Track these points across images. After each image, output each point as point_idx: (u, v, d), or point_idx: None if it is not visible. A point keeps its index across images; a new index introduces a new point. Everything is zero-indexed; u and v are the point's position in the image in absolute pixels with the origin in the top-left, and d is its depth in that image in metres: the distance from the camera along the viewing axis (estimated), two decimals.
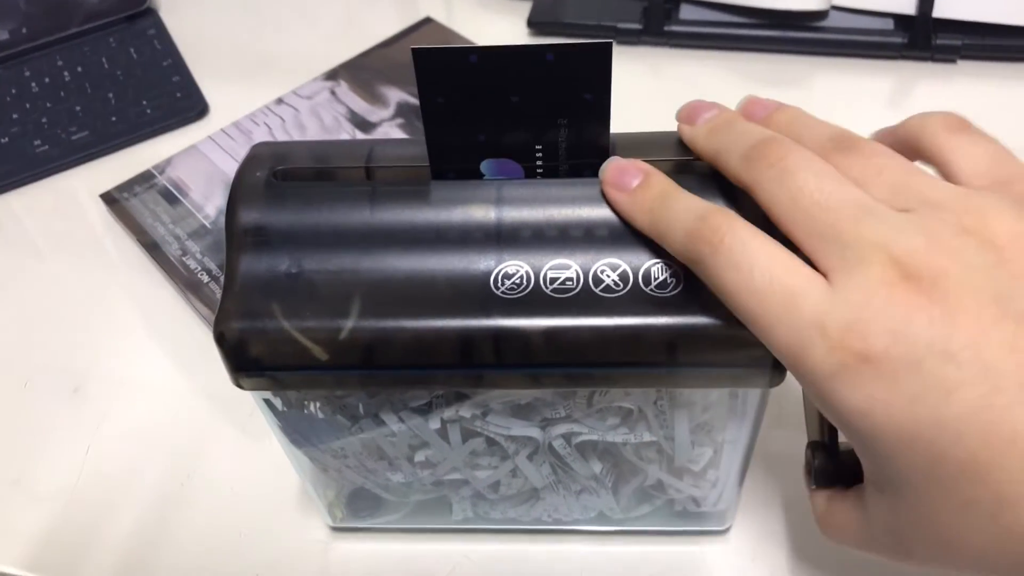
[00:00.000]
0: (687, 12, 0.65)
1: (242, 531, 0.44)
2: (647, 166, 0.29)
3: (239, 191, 0.31)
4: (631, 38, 0.66)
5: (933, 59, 0.62)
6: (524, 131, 0.30)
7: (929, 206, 0.25)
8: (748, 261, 0.25)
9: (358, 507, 0.42)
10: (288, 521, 0.44)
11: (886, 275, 0.23)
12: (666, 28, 0.65)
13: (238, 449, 0.47)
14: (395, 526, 0.43)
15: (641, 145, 0.32)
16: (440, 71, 0.29)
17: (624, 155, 0.31)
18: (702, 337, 0.28)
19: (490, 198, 0.30)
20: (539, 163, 0.31)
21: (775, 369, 0.29)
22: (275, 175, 0.31)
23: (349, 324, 0.29)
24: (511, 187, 0.31)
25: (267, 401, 0.34)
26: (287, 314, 0.29)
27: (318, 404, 0.35)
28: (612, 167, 0.30)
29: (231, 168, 0.58)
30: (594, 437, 0.35)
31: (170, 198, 0.57)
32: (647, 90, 0.64)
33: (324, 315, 0.29)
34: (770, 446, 0.44)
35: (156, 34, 0.69)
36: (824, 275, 0.24)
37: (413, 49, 0.28)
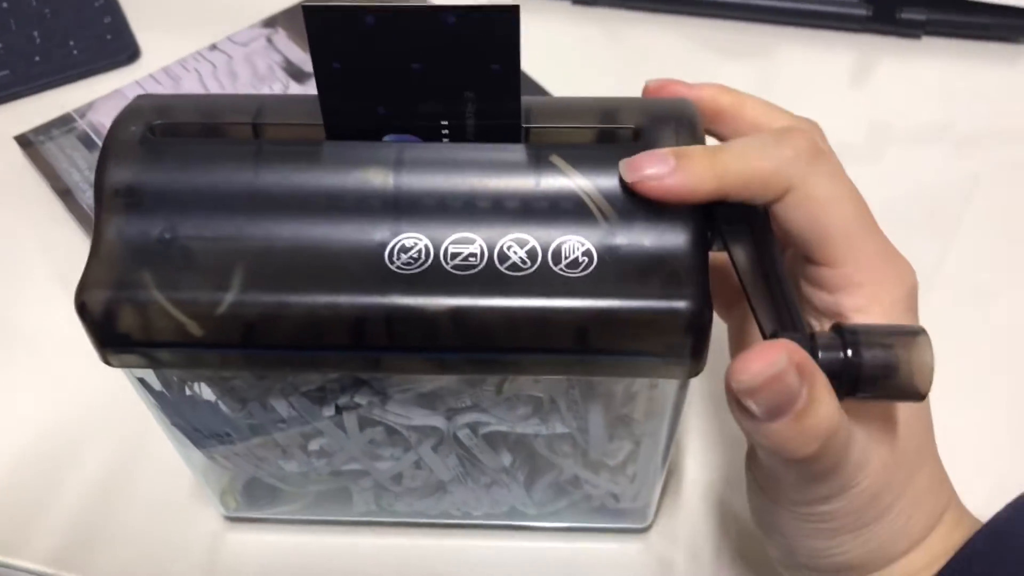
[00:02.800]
0: None
1: (127, 519, 0.40)
2: (667, 148, 0.27)
3: (111, 147, 0.28)
4: None
5: (897, 34, 0.60)
6: (427, 103, 0.27)
7: None
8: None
9: (254, 496, 0.38)
10: (178, 508, 0.40)
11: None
12: None
13: (139, 421, 0.44)
14: (293, 517, 0.39)
15: (559, 112, 0.29)
16: (334, 33, 0.26)
17: (540, 122, 0.28)
18: (616, 322, 0.25)
19: (388, 161, 0.27)
20: (445, 140, 0.28)
21: (694, 358, 0.26)
22: (152, 131, 0.28)
23: (228, 297, 0.26)
24: (412, 150, 0.27)
25: (141, 380, 0.30)
26: (160, 284, 0.26)
27: (201, 386, 0.31)
28: (638, 162, 0.27)
29: None
30: (503, 428, 0.32)
31: (89, 143, 0.53)
32: (601, 55, 0.61)
33: (201, 286, 0.26)
34: (692, 439, 0.42)
35: None
36: None
37: (304, 6, 0.25)
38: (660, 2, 0.62)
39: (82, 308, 0.26)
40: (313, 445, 0.33)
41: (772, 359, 0.24)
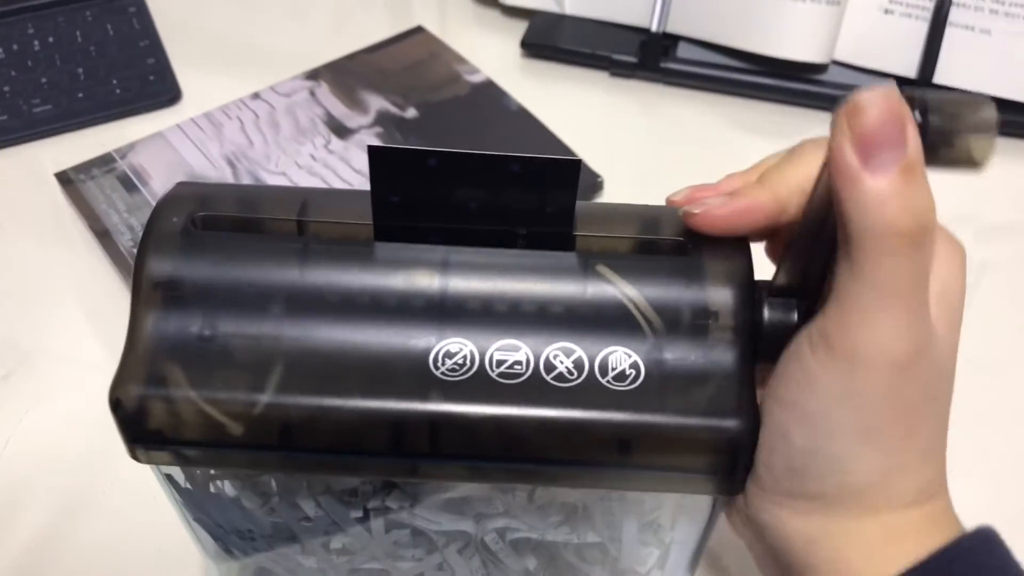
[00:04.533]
0: (685, 51, 0.62)
1: (141, 568, 0.40)
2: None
3: (151, 237, 0.27)
4: (625, 71, 0.62)
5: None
6: (480, 235, 0.27)
7: None
8: None
9: None
10: None
11: None
12: (662, 65, 0.61)
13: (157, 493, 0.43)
14: None
15: (604, 218, 0.29)
16: (397, 171, 0.26)
17: (586, 229, 0.27)
18: (663, 438, 0.25)
19: (435, 262, 0.26)
20: None
21: (737, 475, 0.26)
22: (194, 222, 0.27)
23: (268, 398, 0.25)
24: (460, 252, 0.27)
25: (168, 476, 0.30)
26: (197, 382, 0.25)
27: (225, 483, 0.30)
28: (694, 196, 0.26)
29: (196, 160, 0.55)
30: (533, 535, 0.31)
31: (129, 185, 0.53)
32: (636, 127, 0.61)
33: (238, 386, 0.25)
34: (722, 543, 0.41)
35: (136, 13, 0.65)
36: None
37: (369, 147, 0.25)
38: (694, 79, 0.62)
39: (116, 405, 0.25)
40: (335, 543, 0.33)
41: (886, 91, 0.22)
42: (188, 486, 0.30)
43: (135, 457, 0.27)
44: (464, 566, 0.33)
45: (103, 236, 0.51)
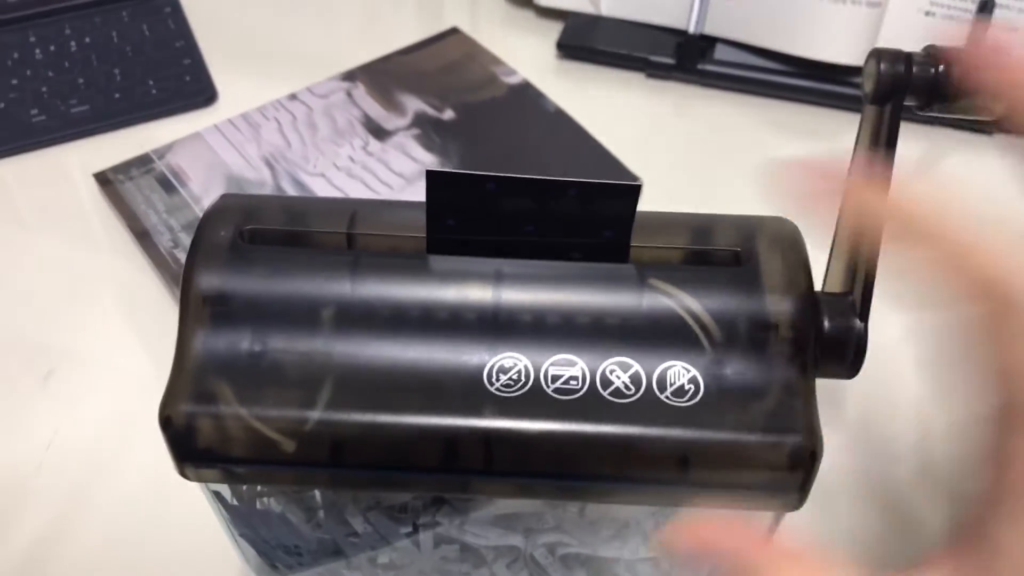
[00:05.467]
0: (722, 52, 0.61)
1: (186, 562, 0.40)
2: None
3: (199, 251, 0.26)
4: (662, 72, 0.62)
5: (970, 128, 0.60)
6: (534, 255, 0.27)
7: None
8: None
9: None
10: None
11: None
12: (699, 66, 0.61)
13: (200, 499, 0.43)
14: None
15: (656, 228, 0.28)
16: (454, 195, 0.25)
17: (639, 240, 0.27)
18: (723, 455, 0.25)
19: (488, 275, 0.26)
20: None
21: (799, 492, 0.25)
22: (242, 235, 0.27)
23: (316, 415, 0.25)
24: (513, 264, 0.26)
25: (216, 494, 0.29)
26: (246, 399, 0.25)
27: (272, 498, 0.30)
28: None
29: (235, 161, 0.54)
30: (584, 551, 0.31)
31: (167, 186, 0.53)
32: (672, 128, 0.61)
33: (289, 403, 0.25)
34: None
35: (171, 14, 0.65)
36: None
37: (428, 172, 0.25)
38: (731, 81, 0.62)
39: (166, 423, 0.25)
40: (382, 558, 0.32)
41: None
42: (235, 503, 0.30)
43: (184, 475, 0.26)
44: None
45: (142, 236, 0.51)
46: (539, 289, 0.26)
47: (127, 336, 0.49)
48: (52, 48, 0.62)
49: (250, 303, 0.26)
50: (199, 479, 0.27)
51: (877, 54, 0.26)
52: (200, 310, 0.26)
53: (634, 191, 0.25)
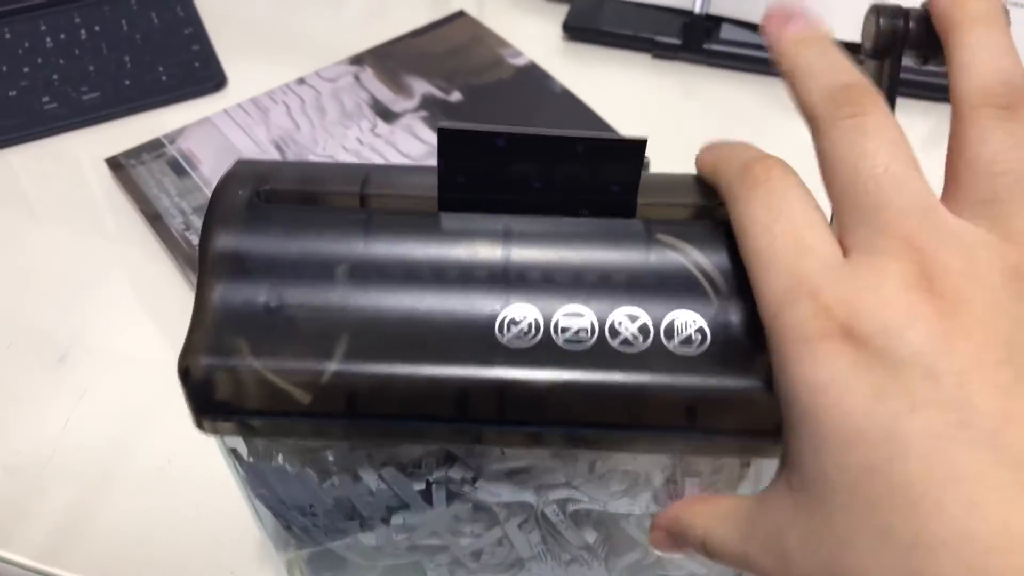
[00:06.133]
0: (728, 32, 0.61)
1: (199, 548, 0.40)
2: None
3: (216, 210, 0.27)
4: (668, 53, 0.62)
5: None
6: (543, 212, 0.27)
7: (997, 225, 0.22)
8: (781, 207, 0.23)
9: (319, 567, 0.37)
10: (241, 566, 0.40)
11: (909, 275, 0.21)
12: (705, 46, 0.61)
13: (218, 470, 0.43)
14: None
15: (662, 187, 0.28)
16: (465, 151, 0.26)
17: (646, 198, 0.27)
18: (730, 401, 0.25)
19: (498, 231, 0.26)
20: None
21: None
22: (258, 195, 0.27)
23: (333, 367, 0.25)
24: (522, 221, 0.27)
25: (233, 450, 0.30)
26: (263, 352, 0.25)
27: (287, 457, 0.30)
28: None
29: (245, 145, 0.55)
30: (595, 507, 0.31)
31: (178, 169, 0.54)
32: (678, 107, 0.61)
33: (306, 355, 0.25)
34: None
35: (180, 1, 0.66)
36: (845, 251, 0.22)
37: (439, 127, 0.25)
38: (737, 60, 0.62)
39: (185, 374, 0.25)
40: (396, 519, 0.32)
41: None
42: (251, 460, 0.30)
43: (201, 427, 0.26)
44: (524, 541, 0.33)
45: (154, 220, 0.51)
46: (548, 243, 0.26)
47: (140, 318, 0.49)
48: (62, 37, 0.63)
49: (267, 259, 0.26)
50: (216, 432, 0.27)
51: (876, 10, 0.27)
52: (217, 266, 0.26)
53: (640, 146, 0.25)
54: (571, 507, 0.32)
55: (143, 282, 0.51)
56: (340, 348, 0.25)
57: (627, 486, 0.31)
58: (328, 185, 0.28)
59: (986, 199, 0.22)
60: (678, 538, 0.26)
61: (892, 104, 0.27)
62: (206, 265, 0.26)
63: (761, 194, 0.24)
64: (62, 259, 0.52)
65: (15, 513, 0.42)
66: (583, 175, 0.26)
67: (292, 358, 0.25)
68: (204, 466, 0.42)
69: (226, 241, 0.26)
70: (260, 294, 0.26)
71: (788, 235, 0.23)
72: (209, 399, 0.25)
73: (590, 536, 0.33)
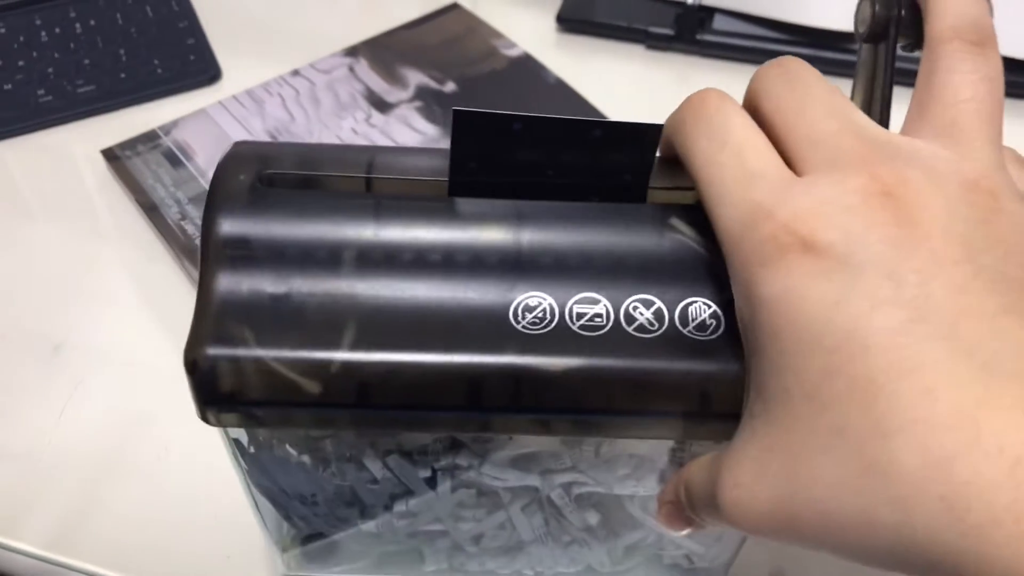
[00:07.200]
0: (721, 22, 0.61)
1: (196, 534, 0.40)
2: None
3: (218, 196, 0.26)
4: (662, 43, 0.62)
5: None
6: (555, 197, 0.27)
7: (957, 145, 0.23)
8: (723, 135, 0.24)
9: (316, 554, 0.37)
10: (237, 561, 0.40)
11: (868, 187, 0.21)
12: (698, 37, 0.61)
13: (214, 454, 0.43)
14: None
15: (673, 172, 0.28)
16: (479, 135, 0.25)
17: (657, 183, 0.27)
18: (743, 386, 0.24)
19: (510, 216, 0.26)
20: None
21: None
22: (260, 179, 0.26)
23: (341, 356, 0.24)
24: (534, 207, 0.26)
25: (236, 441, 0.29)
26: (270, 342, 0.24)
27: (290, 447, 0.30)
28: None
29: (240, 135, 0.54)
30: (600, 490, 0.31)
31: (174, 160, 0.54)
32: (672, 98, 0.61)
33: (313, 344, 0.24)
34: None
35: None
36: (799, 174, 0.23)
37: (454, 110, 0.25)
38: (730, 50, 0.62)
39: (192, 366, 0.24)
40: (399, 506, 0.32)
41: None
42: (254, 451, 0.30)
43: (206, 420, 0.26)
44: (526, 524, 0.33)
45: (150, 210, 0.51)
46: (562, 229, 0.26)
47: (136, 307, 0.49)
48: (57, 31, 0.63)
49: (273, 246, 0.25)
50: (221, 424, 0.26)
51: None
52: (220, 254, 0.25)
53: (656, 131, 0.25)
54: (576, 490, 0.31)
55: (139, 272, 0.50)
56: (349, 336, 0.24)
57: (633, 469, 0.31)
58: (332, 168, 0.27)
59: (948, 123, 0.23)
60: (679, 506, 0.26)
61: (889, 89, 0.28)
62: (209, 253, 0.25)
63: (701, 126, 0.24)
64: (58, 250, 0.52)
65: (12, 502, 0.41)
66: (595, 161, 0.26)
67: (300, 348, 0.24)
68: (201, 455, 0.42)
69: (230, 228, 0.25)
70: (265, 282, 0.25)
71: (734, 164, 0.23)
72: (216, 391, 0.25)
73: (592, 518, 0.33)
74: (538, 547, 0.35)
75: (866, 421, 0.20)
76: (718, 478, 0.23)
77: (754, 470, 0.22)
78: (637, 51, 0.63)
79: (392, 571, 0.37)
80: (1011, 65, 0.59)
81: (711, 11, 0.62)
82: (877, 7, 0.27)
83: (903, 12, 0.27)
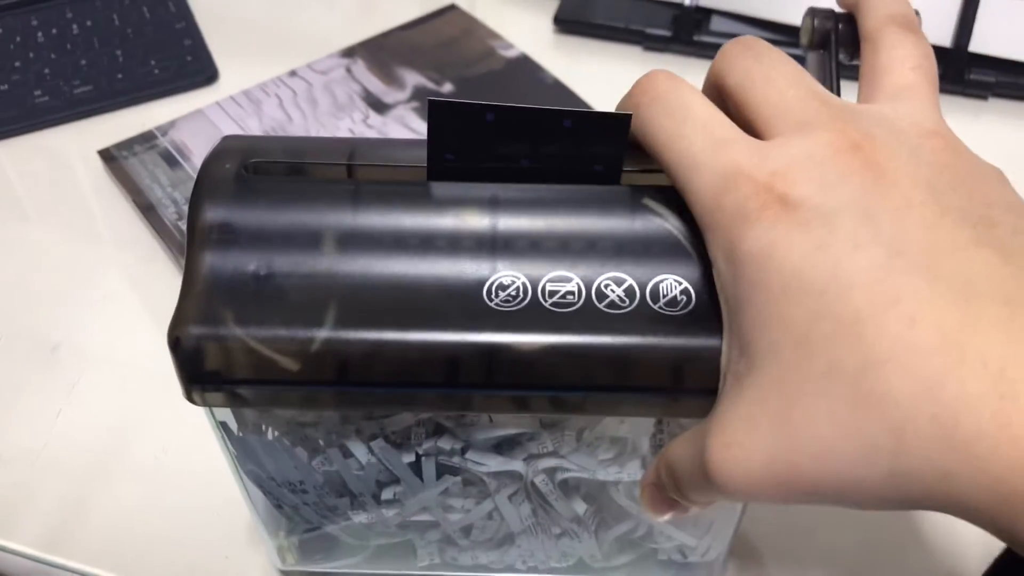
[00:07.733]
0: (718, 23, 0.61)
1: (194, 534, 0.40)
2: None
3: (204, 183, 0.27)
4: (659, 45, 0.62)
5: (964, 94, 0.60)
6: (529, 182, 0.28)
7: (913, 105, 0.25)
8: (684, 111, 0.25)
9: (311, 549, 0.37)
10: (233, 555, 0.40)
11: (836, 141, 0.23)
12: (695, 38, 0.61)
13: (205, 454, 0.41)
14: (352, 571, 0.38)
15: (646, 154, 0.29)
16: (455, 126, 0.26)
17: (629, 164, 0.28)
18: (715, 362, 0.25)
19: (485, 198, 0.27)
20: None
21: None
22: (245, 168, 0.27)
23: (322, 334, 0.25)
24: (509, 189, 0.27)
25: (223, 424, 0.30)
26: (253, 321, 0.25)
27: (276, 429, 0.30)
28: None
29: None
30: (583, 475, 0.31)
31: (171, 160, 0.54)
32: None
33: (295, 323, 0.25)
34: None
35: None
36: (766, 139, 0.24)
37: (429, 100, 0.26)
38: None
39: (175, 344, 0.25)
40: (387, 493, 0.32)
41: None
42: (241, 434, 0.30)
43: (191, 399, 0.27)
44: (514, 513, 0.33)
45: (147, 210, 0.51)
46: (535, 209, 0.27)
47: (133, 307, 0.49)
48: (54, 31, 0.63)
49: (256, 230, 0.26)
50: (206, 403, 0.27)
51: (811, 12, 0.31)
52: (206, 237, 0.26)
53: (625, 121, 0.26)
54: (560, 476, 0.32)
55: (136, 272, 0.50)
56: (329, 316, 0.25)
57: (615, 454, 0.31)
58: (315, 157, 0.28)
59: (901, 87, 0.25)
60: (662, 488, 0.26)
61: (837, 88, 0.30)
62: (194, 237, 0.26)
63: (657, 106, 0.25)
64: (55, 250, 0.52)
65: (9, 502, 0.41)
66: (570, 150, 0.26)
67: (281, 327, 0.25)
68: (198, 456, 0.42)
69: (214, 213, 0.26)
70: (249, 264, 0.26)
71: (701, 134, 0.24)
72: (199, 369, 0.25)
73: (580, 507, 0.33)
74: (528, 539, 0.35)
75: (856, 357, 0.20)
76: (705, 446, 0.23)
77: (745, 428, 0.22)
78: (634, 52, 0.63)
79: (386, 566, 0.38)
80: (1011, 66, 0.59)
81: (708, 12, 0.62)
82: (816, 21, 0.31)
83: (840, 25, 0.30)
